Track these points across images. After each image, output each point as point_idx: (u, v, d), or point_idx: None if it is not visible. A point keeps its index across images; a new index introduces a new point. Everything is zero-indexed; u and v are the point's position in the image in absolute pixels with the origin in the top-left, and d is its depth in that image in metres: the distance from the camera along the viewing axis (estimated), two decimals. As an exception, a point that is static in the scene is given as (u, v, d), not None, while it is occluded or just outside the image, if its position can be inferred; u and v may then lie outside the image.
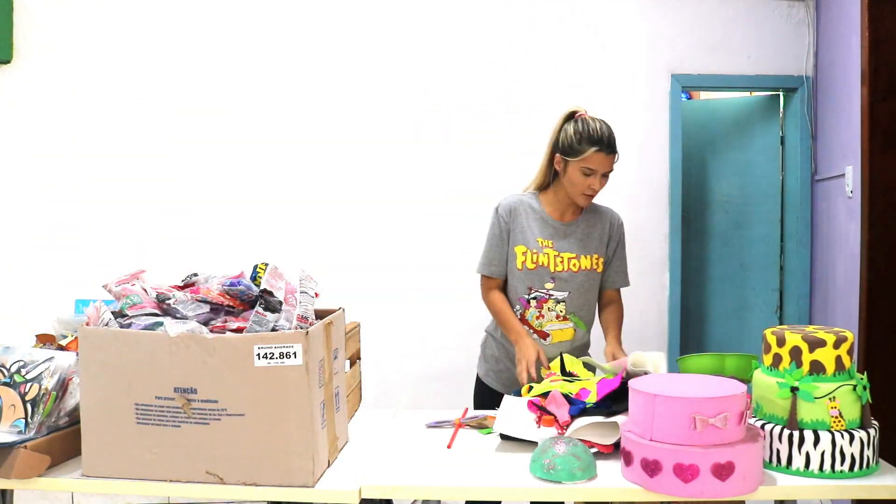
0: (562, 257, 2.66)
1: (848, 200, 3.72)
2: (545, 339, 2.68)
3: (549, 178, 2.71)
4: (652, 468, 1.82)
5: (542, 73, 4.26)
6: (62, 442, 2.02)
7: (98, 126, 4.19)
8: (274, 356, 1.86)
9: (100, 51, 4.19)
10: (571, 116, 2.67)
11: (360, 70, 4.25)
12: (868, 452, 1.91)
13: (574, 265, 2.67)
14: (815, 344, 1.95)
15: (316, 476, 1.92)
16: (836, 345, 1.95)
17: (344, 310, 2.31)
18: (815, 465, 1.90)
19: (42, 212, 4.19)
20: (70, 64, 4.18)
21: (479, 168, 4.26)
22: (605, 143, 2.58)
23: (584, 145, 2.58)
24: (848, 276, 3.69)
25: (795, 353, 1.97)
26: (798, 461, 1.91)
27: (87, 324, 1.95)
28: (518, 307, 2.69)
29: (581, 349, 2.75)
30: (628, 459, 1.89)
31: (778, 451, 1.94)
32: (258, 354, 1.86)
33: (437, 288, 4.23)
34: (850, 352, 1.98)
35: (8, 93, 4.17)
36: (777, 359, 2.01)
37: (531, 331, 2.68)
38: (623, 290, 4.23)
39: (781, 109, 4.50)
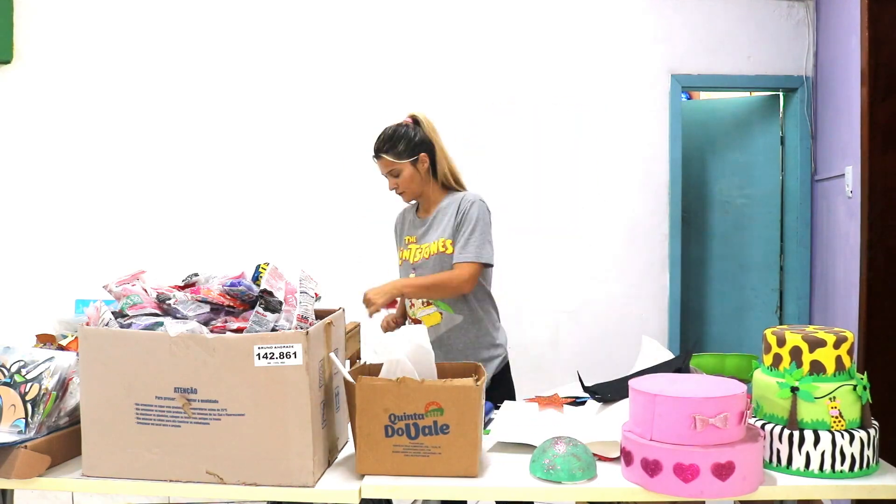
0: (420, 247, 2.83)
1: (848, 200, 3.72)
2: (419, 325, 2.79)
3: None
4: (652, 468, 1.82)
5: (542, 73, 4.26)
6: (62, 442, 2.02)
7: (98, 126, 4.19)
8: (274, 356, 1.86)
9: (100, 51, 4.19)
10: None
11: (360, 71, 4.25)
12: (868, 452, 1.91)
13: (426, 252, 2.80)
14: (815, 344, 1.95)
15: (316, 476, 1.91)
16: (837, 345, 1.95)
17: (344, 310, 2.31)
18: (815, 465, 1.90)
19: (42, 212, 4.19)
20: (70, 64, 4.18)
21: (478, 168, 4.26)
22: (374, 150, 2.82)
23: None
24: (848, 276, 3.69)
25: (795, 353, 1.97)
26: (798, 461, 1.91)
27: (87, 324, 1.95)
28: (398, 301, 2.86)
29: (458, 331, 2.78)
30: (628, 459, 1.89)
31: (778, 450, 1.94)
32: (258, 354, 1.86)
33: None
34: (850, 352, 1.98)
35: (8, 93, 4.17)
36: (777, 359, 2.00)
37: (410, 321, 2.87)
38: (623, 290, 4.27)
39: (781, 109, 4.50)
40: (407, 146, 2.79)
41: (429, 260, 2.79)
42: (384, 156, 2.79)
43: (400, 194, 2.84)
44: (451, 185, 2.86)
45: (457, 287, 2.71)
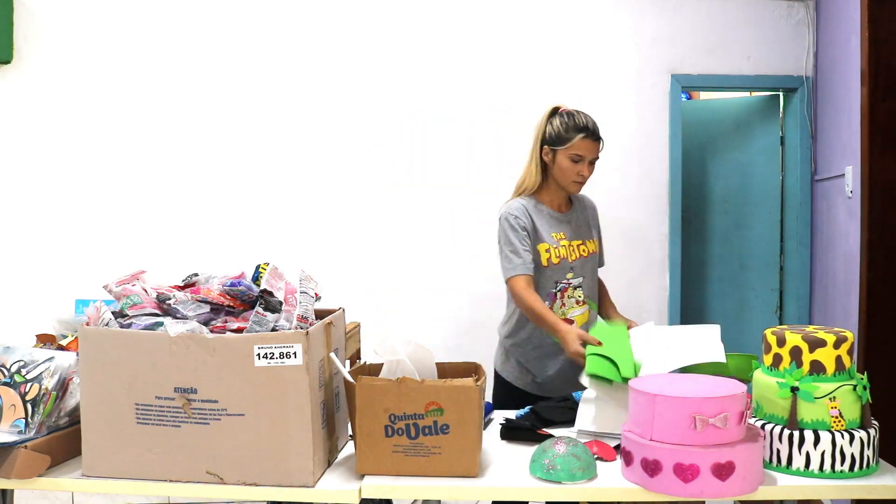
0: (573, 246, 2.78)
1: (848, 200, 3.72)
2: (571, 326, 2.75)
3: (540, 177, 2.78)
4: (652, 468, 1.82)
5: (542, 73, 4.26)
6: (62, 442, 2.02)
7: (98, 126, 4.19)
8: (274, 356, 1.86)
9: (100, 51, 4.18)
10: (555, 112, 2.80)
11: (360, 70, 4.24)
12: (868, 452, 1.92)
13: (584, 251, 2.80)
14: (815, 344, 1.95)
15: (316, 476, 1.92)
16: (837, 345, 1.95)
17: (344, 310, 2.31)
18: (815, 465, 1.90)
19: (42, 212, 4.19)
20: (70, 64, 4.18)
21: (478, 169, 4.26)
22: (591, 130, 2.72)
23: (571, 133, 2.71)
24: (848, 276, 3.69)
25: (795, 353, 1.97)
26: (798, 461, 1.91)
27: (87, 324, 1.95)
28: (547, 302, 2.72)
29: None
30: (628, 459, 1.89)
31: (778, 450, 1.94)
32: (258, 354, 1.86)
33: (437, 289, 4.23)
34: (850, 352, 1.98)
35: (8, 93, 4.17)
36: (777, 359, 2.01)
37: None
38: (623, 290, 4.26)
39: (781, 109, 4.50)
40: None
41: (588, 259, 2.80)
42: (602, 140, 2.76)
43: (580, 183, 2.75)
44: None
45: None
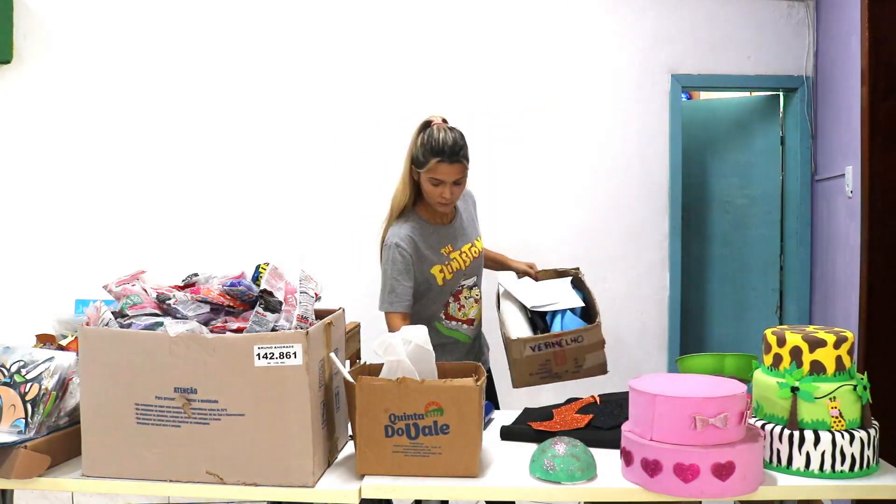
0: (464, 252, 2.76)
1: (848, 200, 3.72)
2: (472, 325, 2.81)
3: (412, 195, 2.69)
4: (652, 468, 1.82)
5: (542, 74, 4.26)
6: (62, 442, 2.02)
7: (98, 126, 4.19)
8: (274, 356, 1.86)
9: (100, 51, 4.18)
10: (424, 127, 2.65)
11: (360, 72, 4.24)
12: (868, 452, 1.92)
13: (474, 252, 2.80)
14: (815, 344, 1.95)
15: (316, 476, 1.92)
16: (837, 345, 1.95)
17: (344, 310, 2.31)
18: (815, 465, 1.90)
19: (42, 212, 4.19)
20: (70, 64, 4.18)
21: (478, 169, 4.25)
22: (448, 153, 2.56)
23: (427, 156, 2.58)
24: (848, 276, 3.69)
25: (796, 353, 1.97)
26: (798, 461, 1.91)
27: (87, 324, 1.95)
28: (441, 312, 2.73)
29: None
30: (628, 459, 1.89)
31: (778, 451, 1.94)
32: (258, 354, 1.86)
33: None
34: (850, 352, 1.98)
35: (8, 93, 4.17)
36: (777, 359, 2.01)
37: (459, 323, 2.76)
38: (623, 290, 4.26)
39: (781, 109, 4.50)
40: (467, 151, 2.64)
41: (478, 258, 2.82)
42: (464, 161, 2.60)
43: (445, 205, 2.64)
44: None
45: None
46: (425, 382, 1.93)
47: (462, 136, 2.62)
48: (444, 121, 2.67)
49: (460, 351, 2.78)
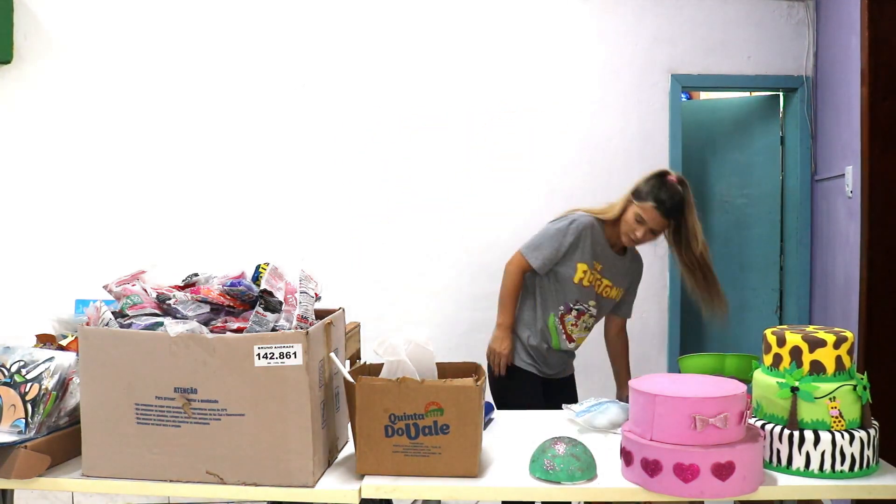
0: (605, 283, 3.00)
1: (848, 200, 3.72)
2: (570, 343, 3.03)
3: (617, 215, 2.96)
4: (652, 468, 1.82)
5: (542, 74, 4.26)
6: (62, 442, 2.02)
7: (98, 126, 4.19)
8: (274, 356, 1.86)
9: (99, 51, 4.18)
10: (660, 175, 2.93)
11: (360, 72, 4.24)
12: (868, 452, 1.92)
13: (609, 293, 3.02)
14: (815, 344, 1.95)
15: (316, 476, 1.92)
16: (837, 345, 1.95)
17: (344, 310, 2.31)
18: (815, 465, 1.90)
19: (42, 212, 4.18)
20: (70, 64, 4.17)
21: (478, 169, 4.26)
22: (666, 207, 2.84)
23: (649, 197, 2.86)
24: (848, 276, 3.69)
25: (796, 353, 1.97)
26: (798, 461, 1.91)
27: (87, 324, 1.95)
28: (560, 309, 2.98)
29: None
30: (628, 459, 1.89)
31: (778, 450, 1.94)
32: (258, 354, 1.86)
33: (438, 289, 4.23)
34: (850, 352, 1.98)
35: (8, 93, 4.16)
36: (777, 359, 2.01)
37: (563, 331, 2.99)
38: (623, 291, 4.27)
39: (781, 109, 4.50)
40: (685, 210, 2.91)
41: (609, 301, 3.03)
42: (672, 220, 2.88)
43: (631, 240, 2.93)
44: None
45: None
46: (425, 382, 1.93)
47: (683, 200, 2.88)
48: (680, 178, 2.92)
49: (549, 353, 3.03)
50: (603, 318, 3.14)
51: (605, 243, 2.97)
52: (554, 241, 2.93)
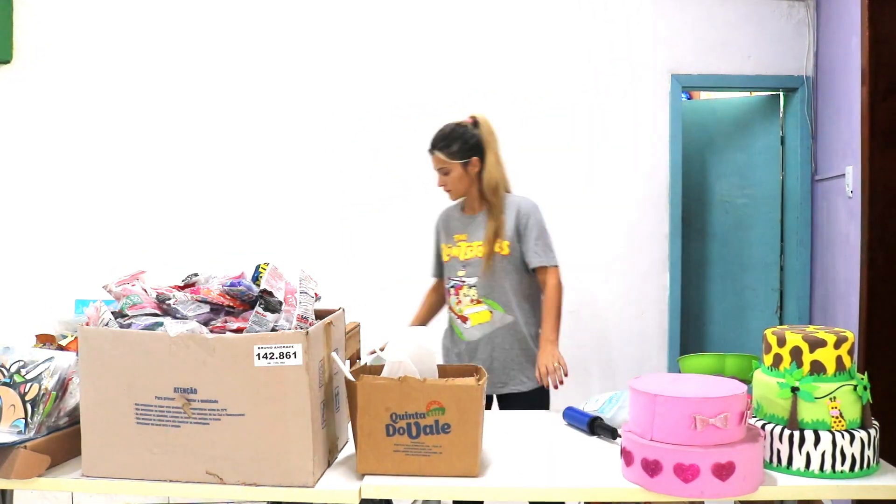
0: (471, 245, 2.88)
1: (848, 200, 3.72)
2: (466, 323, 2.89)
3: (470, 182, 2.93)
4: (652, 468, 1.82)
5: (542, 74, 4.26)
6: (62, 442, 2.01)
7: (98, 126, 4.19)
8: (274, 356, 1.86)
9: (99, 51, 4.18)
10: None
11: (360, 71, 4.24)
12: (868, 452, 1.91)
13: (480, 251, 2.86)
14: (815, 344, 1.95)
15: (316, 476, 1.91)
16: (837, 345, 1.95)
17: (344, 310, 2.31)
18: (815, 466, 1.90)
19: (42, 212, 4.19)
20: (70, 64, 4.18)
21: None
22: (431, 143, 2.89)
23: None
24: (848, 276, 3.69)
25: (796, 353, 1.96)
26: (798, 461, 1.91)
27: (87, 324, 1.95)
28: (449, 298, 2.97)
29: (507, 330, 2.86)
30: (628, 459, 1.89)
31: (778, 451, 1.94)
32: (258, 354, 1.86)
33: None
34: (850, 352, 1.98)
35: (8, 93, 4.17)
36: (777, 359, 2.00)
37: (455, 317, 2.93)
38: (623, 290, 4.27)
39: (781, 109, 4.50)
40: (461, 148, 2.86)
41: (482, 259, 2.85)
42: (437, 153, 2.87)
43: (447, 192, 2.92)
44: (499, 193, 2.89)
45: (561, 294, 2.84)
46: (427, 381, 1.93)
47: (453, 130, 2.88)
48: (472, 118, 2.92)
49: (459, 347, 2.93)
50: (500, 281, 2.84)
51: (459, 213, 2.98)
52: (434, 246, 3.13)
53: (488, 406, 2.76)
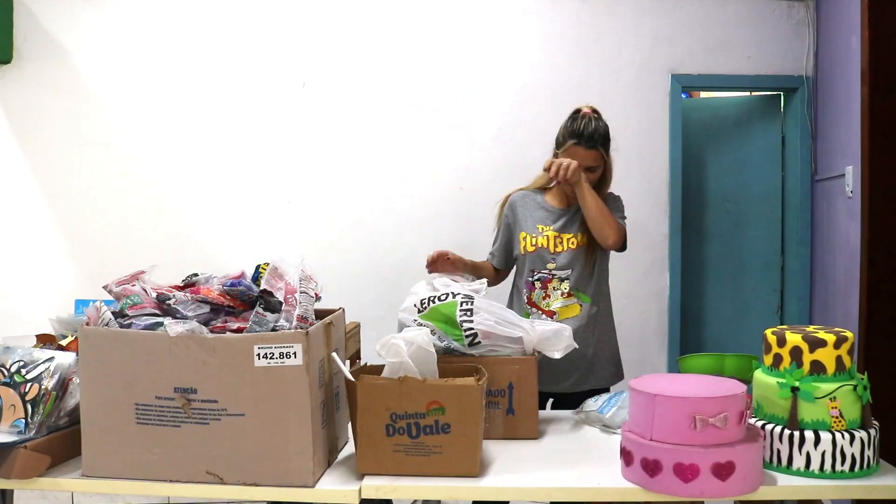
0: (561, 238, 2.78)
1: (848, 200, 3.72)
2: (552, 318, 2.73)
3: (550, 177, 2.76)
4: (652, 468, 1.82)
5: (542, 73, 4.26)
6: (62, 442, 2.01)
7: (98, 126, 4.19)
8: (274, 356, 1.86)
9: (99, 51, 4.19)
10: (573, 114, 2.81)
11: (360, 72, 4.24)
12: (868, 452, 1.91)
13: (572, 243, 2.77)
14: (815, 344, 1.95)
15: (316, 476, 1.91)
16: (837, 345, 1.95)
17: (344, 310, 2.31)
18: (815, 466, 1.90)
19: (42, 212, 4.19)
20: (70, 64, 4.18)
21: (477, 169, 4.26)
22: (585, 138, 2.70)
23: (566, 138, 2.74)
24: (848, 276, 3.69)
25: (796, 353, 1.96)
26: (798, 461, 1.91)
27: (88, 324, 1.95)
28: (525, 291, 2.79)
29: (591, 322, 2.79)
30: (628, 459, 1.89)
31: (778, 451, 1.94)
32: (258, 354, 1.86)
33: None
34: (850, 352, 1.98)
35: (8, 93, 4.17)
36: (777, 359, 2.00)
37: (539, 312, 2.75)
38: (623, 290, 4.24)
39: (781, 109, 4.50)
40: (609, 144, 2.77)
41: (576, 251, 2.75)
42: (601, 150, 2.73)
43: (565, 181, 2.70)
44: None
45: (616, 230, 2.72)
46: (427, 381, 1.93)
47: (606, 127, 2.76)
48: (594, 110, 2.80)
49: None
50: (594, 272, 2.81)
51: (543, 204, 2.82)
52: (495, 231, 2.94)
53: (542, 405, 2.55)
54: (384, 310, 4.13)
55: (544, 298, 2.77)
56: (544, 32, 4.27)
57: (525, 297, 2.78)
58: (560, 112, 4.25)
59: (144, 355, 1.89)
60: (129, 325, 1.95)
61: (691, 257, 4.65)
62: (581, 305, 2.77)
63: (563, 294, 2.76)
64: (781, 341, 2.00)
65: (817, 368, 1.95)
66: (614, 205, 2.87)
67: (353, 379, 1.94)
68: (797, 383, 1.94)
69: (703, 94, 5.21)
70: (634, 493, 1.87)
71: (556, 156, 2.76)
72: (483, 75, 4.26)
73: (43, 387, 1.98)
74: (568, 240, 2.78)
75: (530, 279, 2.78)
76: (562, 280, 2.76)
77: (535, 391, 2.27)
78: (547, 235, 2.77)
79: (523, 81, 4.26)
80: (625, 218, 2.87)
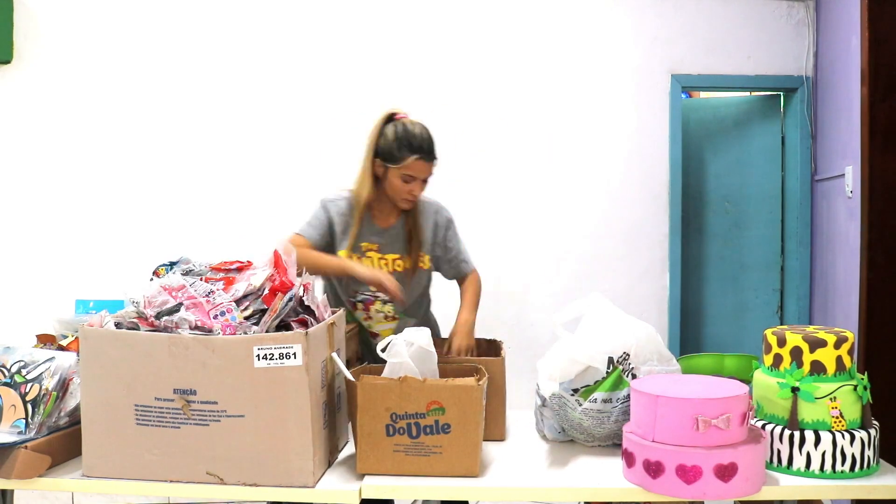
0: (386, 259, 2.60)
1: (848, 200, 3.72)
2: (375, 339, 2.61)
3: (373, 189, 2.58)
4: (654, 469, 1.82)
5: (542, 73, 4.26)
6: (62, 442, 2.01)
7: (98, 126, 4.19)
8: (274, 357, 1.86)
9: (99, 51, 4.18)
10: (390, 120, 2.58)
11: (357, 68, 4.24)
12: (869, 452, 1.91)
13: (398, 265, 2.60)
14: (815, 344, 1.95)
15: (316, 476, 1.91)
16: (837, 345, 1.95)
17: (344, 310, 2.31)
18: (815, 466, 1.90)
19: (42, 212, 4.18)
20: (70, 64, 4.17)
21: (478, 168, 4.26)
22: (426, 151, 2.52)
23: (404, 152, 2.50)
24: (848, 276, 3.69)
25: (796, 354, 1.96)
26: (799, 461, 1.91)
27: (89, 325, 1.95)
28: (347, 306, 2.61)
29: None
30: (630, 460, 1.89)
31: (779, 451, 1.94)
32: (258, 355, 1.86)
33: (436, 289, 4.22)
34: (850, 352, 1.98)
35: (8, 93, 4.16)
36: (778, 359, 2.00)
37: (365, 330, 2.65)
38: (623, 290, 4.26)
39: (781, 109, 4.50)
40: None
41: (402, 273, 2.58)
42: (436, 159, 2.55)
43: (411, 201, 2.57)
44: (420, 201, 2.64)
45: (480, 291, 2.72)
46: (427, 381, 1.92)
47: (429, 132, 2.56)
48: (412, 122, 2.58)
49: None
50: (421, 293, 2.70)
51: (369, 222, 2.59)
52: (313, 221, 2.65)
53: None
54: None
55: (366, 320, 2.62)
56: (543, 32, 4.27)
57: (355, 317, 2.63)
58: (560, 112, 4.30)
59: (144, 356, 1.89)
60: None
61: (691, 257, 4.65)
62: (403, 323, 2.60)
63: (386, 317, 2.62)
64: (781, 341, 2.00)
65: (817, 368, 1.95)
66: (454, 239, 2.68)
67: (353, 379, 1.94)
68: (797, 383, 1.94)
69: (703, 95, 5.21)
70: (636, 494, 1.86)
71: (384, 169, 2.53)
72: (481, 75, 4.26)
73: (43, 387, 1.98)
74: (394, 261, 2.59)
75: (352, 299, 2.61)
76: (385, 302, 2.59)
77: (503, 393, 2.27)
78: (371, 256, 2.58)
79: (522, 81, 4.26)
80: (467, 253, 2.73)
